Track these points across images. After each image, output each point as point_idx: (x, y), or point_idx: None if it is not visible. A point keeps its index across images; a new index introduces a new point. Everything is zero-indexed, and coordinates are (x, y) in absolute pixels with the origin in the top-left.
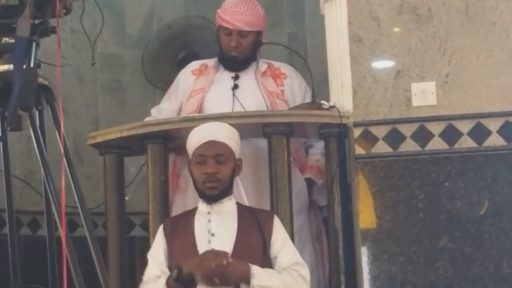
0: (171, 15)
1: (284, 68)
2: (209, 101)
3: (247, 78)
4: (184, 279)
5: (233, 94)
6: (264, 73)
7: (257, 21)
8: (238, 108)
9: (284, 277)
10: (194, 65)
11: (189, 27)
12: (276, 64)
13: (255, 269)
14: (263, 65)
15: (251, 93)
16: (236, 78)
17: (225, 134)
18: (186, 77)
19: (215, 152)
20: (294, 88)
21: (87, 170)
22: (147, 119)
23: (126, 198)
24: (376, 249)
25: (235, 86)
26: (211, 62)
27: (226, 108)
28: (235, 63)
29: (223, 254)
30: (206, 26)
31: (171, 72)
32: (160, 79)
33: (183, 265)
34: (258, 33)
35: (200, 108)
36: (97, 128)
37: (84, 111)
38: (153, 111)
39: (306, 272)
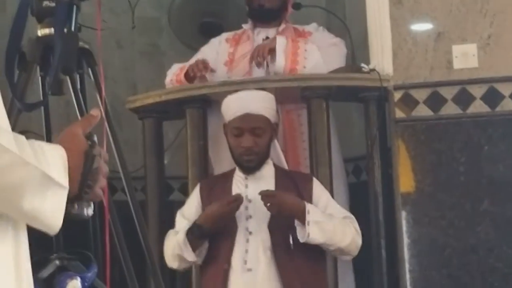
0: None
1: (309, 27)
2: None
3: None
4: (204, 234)
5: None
6: (280, 35)
7: None
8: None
9: (338, 221)
10: (227, 34)
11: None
12: (301, 26)
13: (310, 206)
14: (283, 27)
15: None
16: (267, 40)
17: (261, 104)
18: (220, 44)
19: (252, 125)
20: (318, 44)
21: (125, 134)
22: (170, 70)
23: (165, 162)
24: (416, 213)
25: None
26: (246, 26)
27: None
28: (263, 13)
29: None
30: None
31: (193, 31)
32: (185, 34)
33: (201, 220)
34: None
35: (251, 71)
36: (134, 92)
37: (122, 75)
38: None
39: (357, 225)
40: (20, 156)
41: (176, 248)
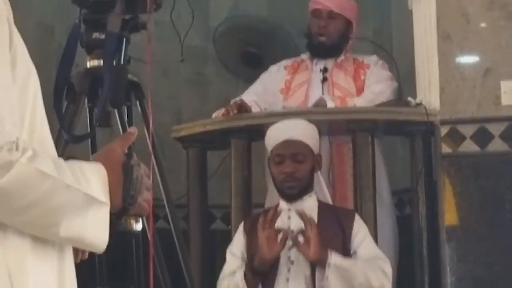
0: (255, 10)
1: (369, 59)
2: (312, 94)
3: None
4: (259, 271)
5: (322, 88)
6: (339, 66)
7: (348, 8)
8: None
9: (363, 265)
10: (286, 62)
11: (268, 29)
12: (362, 57)
13: (333, 252)
14: (342, 58)
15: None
16: (325, 71)
17: (303, 131)
18: (278, 71)
19: (292, 151)
20: (371, 78)
21: (169, 162)
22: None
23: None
24: (461, 250)
25: (324, 79)
26: (305, 56)
27: None
28: (322, 49)
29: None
30: (283, 36)
31: (235, 59)
32: (229, 62)
33: (256, 264)
34: (348, 24)
35: (307, 100)
36: (179, 120)
37: (167, 104)
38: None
39: (387, 268)
40: (61, 180)
41: None
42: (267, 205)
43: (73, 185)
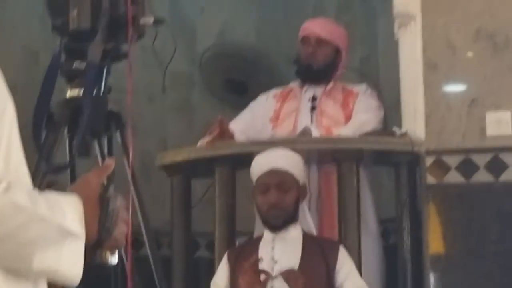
0: (242, 37)
1: (358, 88)
2: (300, 122)
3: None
4: None
5: (311, 116)
6: (328, 94)
7: (338, 35)
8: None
9: None
10: (275, 90)
11: (254, 57)
12: (351, 86)
13: None
14: (331, 85)
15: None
16: (313, 99)
17: (288, 161)
18: (267, 100)
19: (277, 180)
20: (359, 106)
21: (153, 188)
22: None
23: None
24: (445, 280)
25: (313, 108)
26: (294, 84)
27: None
28: (310, 73)
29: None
30: (269, 64)
31: (220, 86)
32: (215, 88)
33: None
34: (337, 51)
35: (295, 129)
36: (165, 147)
37: (152, 130)
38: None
39: None
40: (35, 213)
41: None
42: (256, 234)
43: (47, 218)
